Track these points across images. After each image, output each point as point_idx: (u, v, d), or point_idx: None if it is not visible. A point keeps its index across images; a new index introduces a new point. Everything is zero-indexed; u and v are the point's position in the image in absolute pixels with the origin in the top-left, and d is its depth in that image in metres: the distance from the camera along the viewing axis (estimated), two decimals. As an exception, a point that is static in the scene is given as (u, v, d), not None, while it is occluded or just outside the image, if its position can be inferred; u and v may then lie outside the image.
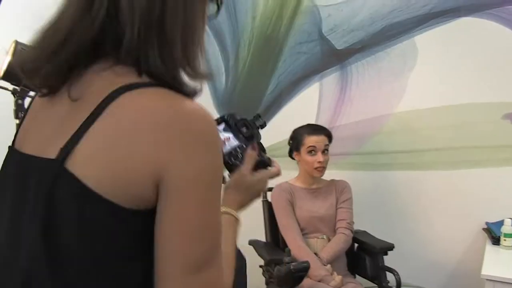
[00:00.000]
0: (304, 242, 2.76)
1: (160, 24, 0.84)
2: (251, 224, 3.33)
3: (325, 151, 2.84)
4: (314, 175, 2.88)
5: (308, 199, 2.90)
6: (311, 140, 2.85)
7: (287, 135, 3.56)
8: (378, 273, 2.75)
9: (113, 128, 0.80)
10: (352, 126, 3.39)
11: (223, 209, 1.05)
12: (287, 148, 3.17)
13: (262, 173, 1.15)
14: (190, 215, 0.80)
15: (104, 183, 0.78)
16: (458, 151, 3.10)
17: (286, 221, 2.82)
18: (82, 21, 0.83)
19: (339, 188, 2.96)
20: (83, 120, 0.81)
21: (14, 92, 2.31)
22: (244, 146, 1.15)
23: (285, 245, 2.68)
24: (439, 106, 3.14)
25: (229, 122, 1.18)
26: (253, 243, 2.92)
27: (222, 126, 1.17)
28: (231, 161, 1.13)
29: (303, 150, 2.87)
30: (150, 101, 0.82)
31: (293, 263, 2.31)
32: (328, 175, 2.98)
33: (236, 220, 1.09)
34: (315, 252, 2.75)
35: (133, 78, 0.84)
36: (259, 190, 1.16)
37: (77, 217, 0.79)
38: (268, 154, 3.60)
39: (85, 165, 0.79)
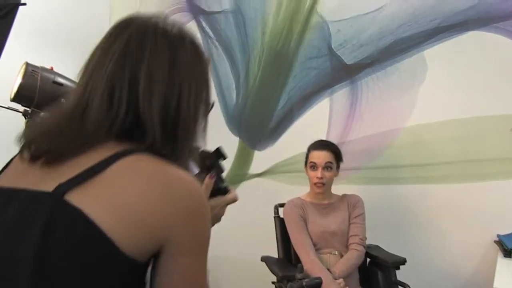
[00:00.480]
0: (317, 258, 2.76)
1: (174, 121, 1.01)
2: (263, 240, 3.36)
3: (327, 167, 2.85)
4: (314, 190, 2.90)
5: (320, 215, 2.90)
6: (313, 155, 2.89)
7: (296, 151, 3.58)
8: (390, 288, 2.75)
9: (123, 183, 0.92)
10: (363, 141, 3.40)
11: None
12: (296, 164, 3.19)
13: (218, 199, 1.29)
14: (191, 271, 0.98)
15: (116, 227, 0.88)
16: (469, 164, 3.10)
17: (299, 236, 2.82)
18: (105, 119, 0.97)
19: (351, 203, 2.96)
20: (85, 169, 0.92)
21: (24, 114, 2.33)
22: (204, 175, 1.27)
23: (298, 261, 2.68)
24: (449, 119, 3.15)
25: None
26: (265, 259, 2.92)
27: None
28: None
29: (308, 165, 2.91)
30: (157, 166, 0.96)
31: (305, 280, 2.30)
32: (339, 189, 2.99)
33: None
34: (328, 267, 2.74)
35: (133, 146, 0.98)
36: (217, 214, 1.31)
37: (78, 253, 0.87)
38: (278, 170, 3.64)
39: (96, 204, 0.89)
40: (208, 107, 1.17)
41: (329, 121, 3.53)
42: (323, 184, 2.85)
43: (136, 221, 0.89)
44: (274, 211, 3.06)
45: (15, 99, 2.28)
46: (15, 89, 2.26)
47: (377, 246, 3.00)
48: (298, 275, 2.41)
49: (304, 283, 2.28)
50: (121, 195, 0.90)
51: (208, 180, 1.25)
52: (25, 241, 0.87)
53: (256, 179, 3.88)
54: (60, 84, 2.33)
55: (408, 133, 3.27)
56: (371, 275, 2.88)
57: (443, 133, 3.17)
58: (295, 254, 2.89)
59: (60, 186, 0.90)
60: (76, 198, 0.89)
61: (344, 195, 3.01)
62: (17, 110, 2.34)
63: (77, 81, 1.04)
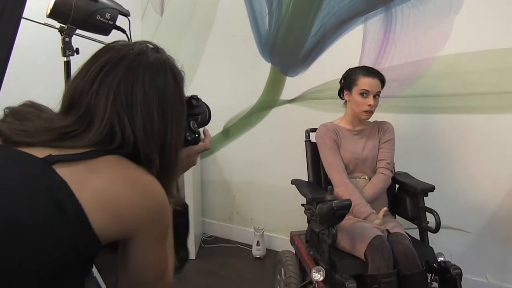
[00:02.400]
0: (349, 180, 2.81)
1: (163, 141, 1.16)
2: (293, 165, 3.41)
3: (376, 96, 2.82)
4: (361, 117, 2.87)
5: (352, 140, 2.92)
6: (365, 82, 2.80)
7: (328, 78, 3.58)
8: (418, 214, 2.77)
9: (109, 176, 1.04)
10: (396, 69, 3.38)
11: None
12: (328, 91, 3.17)
13: (189, 149, 1.38)
14: (155, 255, 1.13)
15: (94, 208, 0.99)
16: (503, 96, 3.07)
17: (332, 159, 2.85)
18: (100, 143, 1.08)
19: (382, 129, 2.97)
20: (74, 152, 1.04)
21: (61, 30, 2.34)
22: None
23: (327, 185, 2.72)
24: (485, 49, 3.08)
25: None
26: (295, 182, 2.96)
27: None
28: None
29: (355, 90, 2.83)
30: (136, 172, 1.09)
31: (335, 201, 2.36)
32: (371, 117, 3.00)
33: None
34: (357, 192, 2.79)
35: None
36: (190, 163, 1.41)
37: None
38: (309, 96, 3.64)
39: (81, 184, 1.00)
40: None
41: (362, 49, 3.50)
42: (372, 112, 2.84)
43: (114, 210, 1.01)
44: (306, 135, 3.07)
45: (51, 15, 2.29)
46: (51, 6, 2.25)
47: (406, 173, 3.02)
48: (328, 197, 2.47)
49: (334, 204, 2.33)
50: (105, 185, 1.01)
51: None
52: (2, 199, 0.97)
53: (287, 105, 3.90)
54: (95, 1, 2.32)
55: (441, 63, 3.23)
56: (400, 201, 2.92)
57: (478, 63, 3.11)
58: (325, 178, 2.93)
59: (50, 156, 1.01)
60: (63, 171, 0.99)
61: (375, 122, 3.01)
62: (53, 27, 2.35)
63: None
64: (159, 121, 1.13)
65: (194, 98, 1.42)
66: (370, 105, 2.79)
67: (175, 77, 1.20)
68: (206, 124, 1.51)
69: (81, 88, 1.11)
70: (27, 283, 0.95)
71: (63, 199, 0.96)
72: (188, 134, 1.35)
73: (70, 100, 1.12)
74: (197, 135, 1.39)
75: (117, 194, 1.02)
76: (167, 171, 1.18)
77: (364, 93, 2.80)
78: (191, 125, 1.37)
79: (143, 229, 1.07)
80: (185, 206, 1.40)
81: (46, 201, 0.95)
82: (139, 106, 1.10)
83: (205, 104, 1.52)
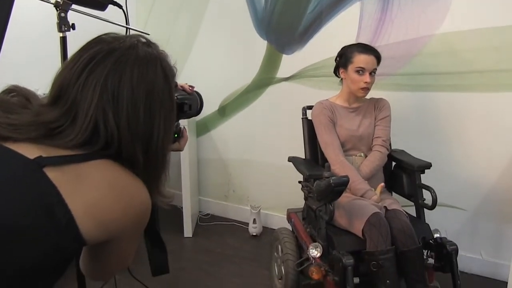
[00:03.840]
0: (345, 158, 2.81)
1: (148, 140, 1.13)
2: (290, 142, 3.41)
3: (372, 73, 2.81)
4: (357, 94, 2.86)
5: (349, 118, 2.92)
6: (360, 59, 2.79)
7: (325, 55, 3.57)
8: (414, 191, 2.79)
9: (96, 182, 1.03)
10: (393, 47, 3.37)
11: None
12: (324, 68, 3.16)
13: None
14: (127, 251, 1.18)
15: (83, 214, 0.99)
16: (500, 74, 3.07)
17: (327, 137, 2.84)
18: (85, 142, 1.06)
19: (378, 106, 2.96)
20: (64, 154, 1.04)
21: (56, 5, 2.30)
22: None
23: (324, 162, 2.72)
24: (483, 27, 3.08)
25: None
26: (292, 159, 2.96)
27: None
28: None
29: (351, 68, 2.82)
30: (127, 180, 1.09)
31: (333, 177, 2.36)
32: (368, 94, 3.00)
33: None
34: (353, 169, 2.80)
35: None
36: None
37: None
38: (305, 74, 3.62)
39: (70, 188, 0.99)
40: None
41: (359, 26, 3.48)
42: (369, 89, 2.84)
43: (102, 219, 1.01)
44: (302, 113, 3.07)
45: (47, -11, 2.26)
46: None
47: (403, 151, 3.03)
48: (326, 174, 2.48)
49: (331, 181, 2.34)
50: (94, 195, 1.01)
51: None
52: None
53: (283, 83, 3.89)
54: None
55: (440, 40, 3.22)
56: (396, 178, 2.93)
57: (476, 41, 3.11)
58: (321, 155, 2.93)
59: (40, 158, 0.99)
60: (54, 175, 0.98)
61: (372, 99, 3.00)
62: (48, 1, 2.31)
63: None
64: (145, 118, 1.10)
65: (187, 103, 1.40)
66: (366, 82, 2.78)
67: (166, 73, 1.17)
68: (196, 115, 1.52)
69: (68, 79, 1.08)
70: (10, 284, 0.95)
71: (53, 204, 0.95)
72: None
73: (58, 91, 1.09)
74: (176, 135, 1.39)
75: (105, 205, 1.02)
76: (154, 170, 1.17)
77: (360, 71, 2.79)
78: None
79: (125, 233, 1.10)
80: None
81: (36, 205, 0.95)
82: (126, 102, 1.07)
83: (198, 94, 1.50)
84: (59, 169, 0.99)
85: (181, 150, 1.43)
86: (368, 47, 2.85)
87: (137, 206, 1.08)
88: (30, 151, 1.00)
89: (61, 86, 1.09)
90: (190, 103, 1.42)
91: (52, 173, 0.97)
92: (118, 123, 1.07)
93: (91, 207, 0.99)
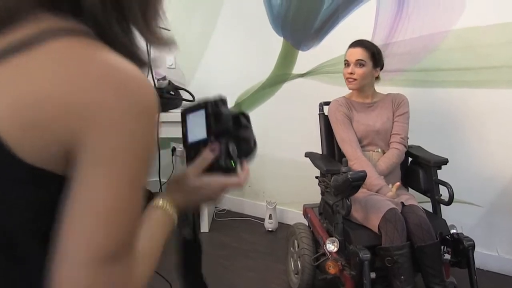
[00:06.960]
0: (363, 154, 2.83)
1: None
2: (306, 138, 3.42)
3: (359, 64, 2.83)
4: (348, 86, 2.92)
5: (365, 113, 2.93)
6: (346, 53, 2.90)
7: (340, 52, 3.55)
8: (431, 187, 2.79)
9: (31, 65, 0.66)
10: (409, 43, 3.37)
11: (160, 203, 0.93)
12: (340, 64, 3.15)
13: (214, 178, 0.98)
14: (106, 195, 0.65)
15: (13, 123, 0.63)
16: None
17: (345, 134, 2.86)
18: None
19: (396, 101, 2.96)
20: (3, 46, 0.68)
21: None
22: (209, 142, 0.98)
23: (341, 158, 2.73)
24: (499, 23, 3.07)
25: (208, 109, 1.01)
26: (309, 155, 2.99)
27: (199, 111, 1.02)
28: (190, 155, 1.01)
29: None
30: (88, 50, 0.69)
31: (350, 172, 2.38)
32: (383, 90, 3.00)
33: (170, 219, 0.93)
34: (370, 164, 2.81)
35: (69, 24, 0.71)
36: (207, 196, 0.99)
37: None
38: (321, 70, 3.61)
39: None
40: None
41: (375, 22, 3.49)
42: (354, 79, 2.86)
43: (39, 115, 0.63)
44: (319, 109, 3.09)
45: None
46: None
47: (419, 147, 3.03)
48: (343, 169, 2.49)
49: (349, 176, 2.35)
50: (31, 83, 0.64)
51: (208, 152, 0.98)
52: None
53: (299, 79, 3.91)
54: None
55: (455, 36, 3.21)
56: (413, 174, 2.93)
57: (493, 37, 3.10)
58: (338, 151, 2.95)
59: None
60: None
61: (389, 94, 3.01)
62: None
63: None
64: None
65: (245, 115, 1.09)
66: (349, 73, 2.85)
67: None
68: (248, 157, 1.10)
69: None
70: None
71: None
72: (222, 158, 0.98)
73: None
74: (233, 165, 1.00)
75: (49, 85, 0.64)
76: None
77: (345, 63, 2.89)
78: (230, 149, 1.00)
79: (96, 135, 0.63)
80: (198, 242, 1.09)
81: None
82: None
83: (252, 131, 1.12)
84: None
85: (241, 186, 1.02)
86: (356, 41, 2.92)
87: (116, 73, 0.66)
88: None
89: None
90: (247, 134, 1.09)
91: None
92: None
93: (24, 100, 0.63)
